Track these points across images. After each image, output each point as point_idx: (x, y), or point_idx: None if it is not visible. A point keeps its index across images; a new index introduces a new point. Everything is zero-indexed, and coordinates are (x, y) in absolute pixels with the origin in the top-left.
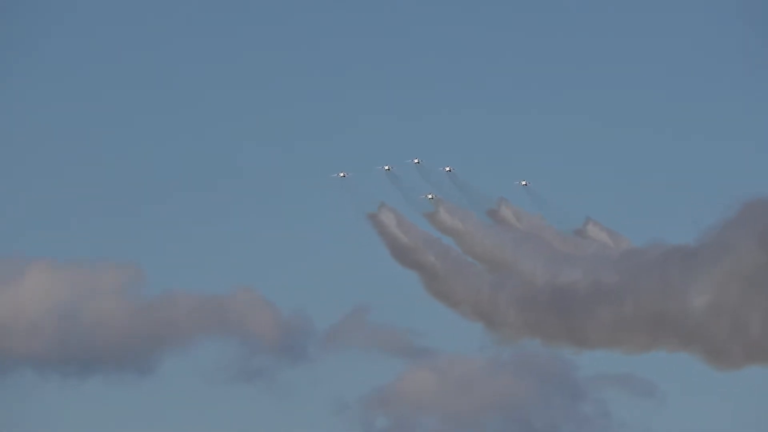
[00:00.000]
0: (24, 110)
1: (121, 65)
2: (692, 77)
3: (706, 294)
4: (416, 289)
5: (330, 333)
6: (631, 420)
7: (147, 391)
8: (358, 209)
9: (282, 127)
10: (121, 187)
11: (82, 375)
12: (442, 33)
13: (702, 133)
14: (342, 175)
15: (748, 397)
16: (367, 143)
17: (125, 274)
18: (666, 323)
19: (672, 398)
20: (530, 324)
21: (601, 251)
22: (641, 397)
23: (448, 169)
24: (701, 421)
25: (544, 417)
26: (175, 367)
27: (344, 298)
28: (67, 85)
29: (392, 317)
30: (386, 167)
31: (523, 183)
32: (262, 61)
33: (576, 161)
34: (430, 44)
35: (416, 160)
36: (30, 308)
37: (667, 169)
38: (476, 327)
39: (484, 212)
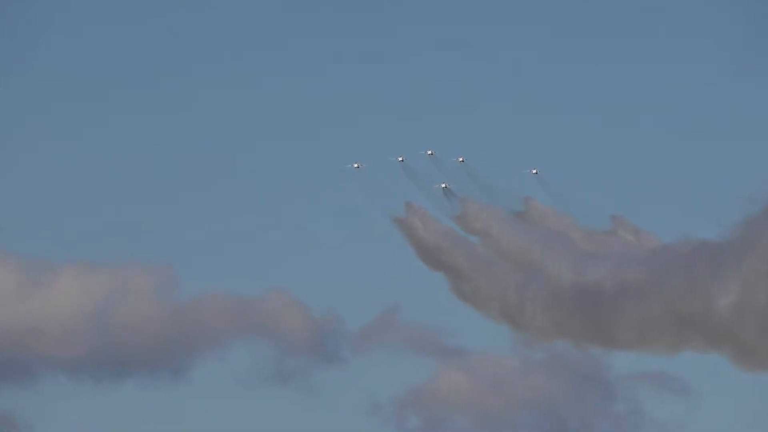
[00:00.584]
0: (47, 114)
1: (137, 64)
2: (719, 73)
3: (732, 294)
4: (445, 289)
5: (362, 334)
6: (664, 418)
7: (180, 393)
8: (384, 208)
9: (296, 122)
10: (153, 188)
11: (116, 378)
12: (457, 25)
13: (728, 129)
14: (356, 166)
15: None
16: (379, 135)
17: (158, 277)
18: (693, 323)
19: (705, 396)
20: (558, 325)
21: (628, 249)
22: (674, 395)
23: (461, 159)
24: (735, 420)
25: (577, 416)
26: (209, 369)
27: (376, 299)
28: (86, 85)
29: (424, 317)
30: (400, 158)
31: (534, 171)
32: (277, 55)
33: (601, 158)
34: (444, 36)
35: (429, 152)
36: (63, 311)
37: (692, 165)
38: (505, 327)
39: (501, 200)
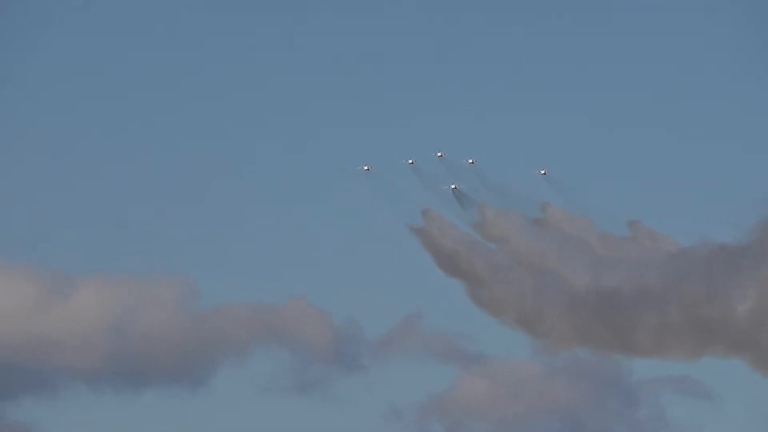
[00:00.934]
0: (66, 126)
1: (153, 74)
2: (738, 76)
3: (750, 299)
4: (464, 296)
5: (382, 341)
6: (686, 423)
7: (201, 403)
8: (402, 214)
9: (307, 127)
10: (169, 199)
11: (136, 389)
12: (466, 24)
13: (746, 132)
14: (366, 168)
15: None
16: (387, 138)
17: (178, 287)
18: (711, 329)
19: (729, 401)
20: (577, 331)
21: (646, 254)
22: (697, 400)
23: (471, 161)
24: (760, 426)
25: (599, 421)
26: (229, 378)
27: (395, 306)
28: (106, 96)
29: (444, 324)
30: (410, 161)
31: (542, 172)
32: (284, 59)
33: (617, 161)
34: (453, 39)
35: (439, 153)
36: (83, 323)
37: (710, 168)
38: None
39: (516, 204)
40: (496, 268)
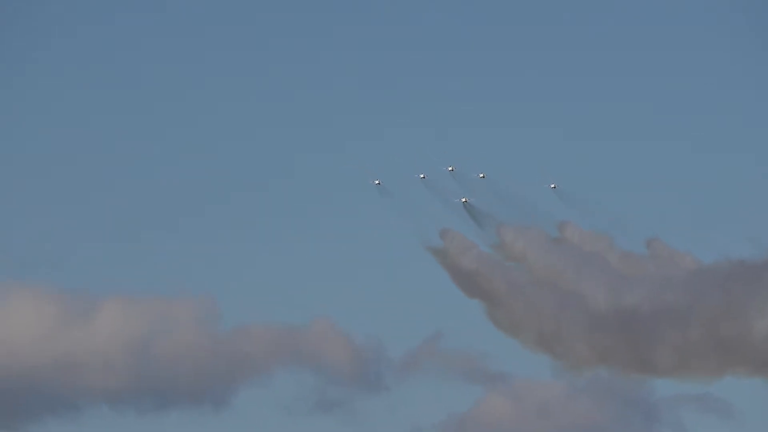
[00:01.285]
0: (87, 145)
1: (171, 91)
2: (757, 90)
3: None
4: (483, 316)
5: (405, 361)
6: None
7: (224, 423)
8: (422, 234)
9: (329, 142)
10: (191, 219)
11: (159, 410)
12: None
13: (765, 147)
14: (377, 182)
15: None
16: (397, 152)
17: (200, 308)
18: (732, 348)
19: (750, 419)
20: (597, 352)
21: (666, 271)
22: (718, 417)
23: (481, 175)
24: None
25: None
26: (252, 399)
27: (417, 325)
28: (128, 114)
29: (466, 343)
30: (421, 175)
31: (552, 186)
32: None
33: (636, 178)
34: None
35: (450, 168)
36: (105, 343)
37: (728, 184)
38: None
39: (536, 221)
40: (515, 287)
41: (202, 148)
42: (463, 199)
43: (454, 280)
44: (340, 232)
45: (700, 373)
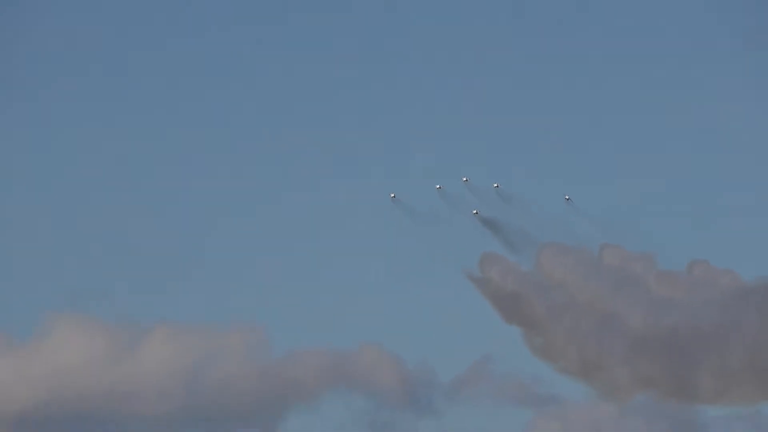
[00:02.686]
0: (134, 177)
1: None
2: None
3: None
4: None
5: (455, 385)
6: None
7: None
8: (464, 259)
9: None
10: (236, 248)
11: None
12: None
13: None
14: (392, 195)
15: None
16: (411, 165)
17: (249, 336)
18: None
19: None
20: (638, 379)
21: (706, 293)
22: None
23: (496, 185)
24: None
25: None
26: (302, 425)
27: (467, 349)
28: (167, 144)
29: (516, 367)
30: (438, 186)
31: (566, 198)
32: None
33: (676, 196)
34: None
35: (465, 179)
36: (154, 372)
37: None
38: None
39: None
40: (554, 314)
41: (246, 175)
42: (474, 212)
43: (493, 306)
44: (383, 254)
45: (742, 399)
